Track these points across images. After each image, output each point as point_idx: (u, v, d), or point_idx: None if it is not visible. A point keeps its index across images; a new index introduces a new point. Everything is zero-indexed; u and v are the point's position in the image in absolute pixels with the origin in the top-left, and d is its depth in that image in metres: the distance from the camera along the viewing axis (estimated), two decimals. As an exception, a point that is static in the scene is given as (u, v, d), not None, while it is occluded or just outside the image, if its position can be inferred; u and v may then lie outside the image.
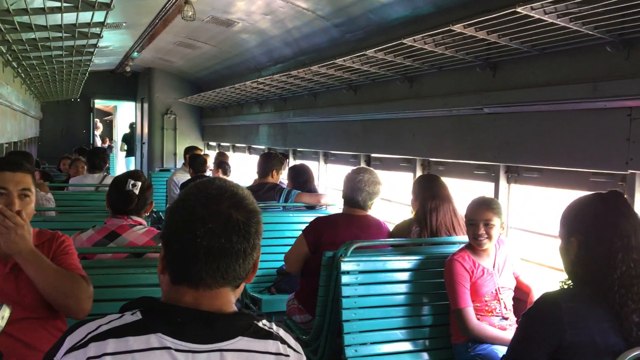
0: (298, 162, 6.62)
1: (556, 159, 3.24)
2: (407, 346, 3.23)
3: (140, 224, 2.99)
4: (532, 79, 3.35)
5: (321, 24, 5.24)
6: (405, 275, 3.31)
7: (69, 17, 3.49)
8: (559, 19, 2.64)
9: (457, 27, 3.02)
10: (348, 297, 3.15)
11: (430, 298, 3.32)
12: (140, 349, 1.21)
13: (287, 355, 1.32)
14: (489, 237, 3.08)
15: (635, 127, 2.80)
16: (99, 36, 4.13)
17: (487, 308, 3.11)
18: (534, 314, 1.90)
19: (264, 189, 5.07)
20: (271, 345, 1.31)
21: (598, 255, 1.83)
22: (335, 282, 3.20)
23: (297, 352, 1.36)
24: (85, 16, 3.43)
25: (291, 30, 5.81)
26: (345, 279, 3.15)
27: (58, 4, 3.00)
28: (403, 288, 3.30)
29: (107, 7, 3.05)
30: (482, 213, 3.07)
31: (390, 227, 3.80)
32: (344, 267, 3.15)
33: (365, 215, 3.65)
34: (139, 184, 2.99)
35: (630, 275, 1.78)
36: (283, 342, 1.34)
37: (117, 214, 2.98)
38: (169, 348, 1.22)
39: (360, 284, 3.19)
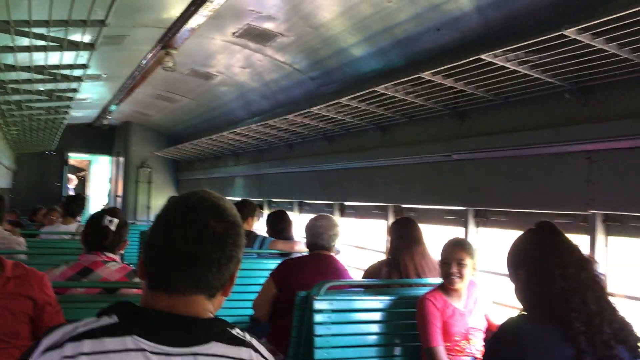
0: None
1: (522, 202, 3.37)
2: (380, 387, 3.23)
3: (114, 260, 3.00)
4: (497, 126, 3.53)
5: (298, 77, 5.43)
6: (377, 316, 3.34)
7: (53, 58, 3.59)
8: (520, 67, 2.82)
9: (426, 75, 3.19)
10: (321, 336, 3.16)
11: (402, 338, 3.34)
12: (115, 349, 1.23)
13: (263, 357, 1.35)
14: (461, 277, 3.14)
15: (595, 170, 2.95)
16: (80, 79, 4.22)
17: (457, 348, 3.14)
18: (498, 338, 1.99)
19: (238, 236, 5.09)
20: (244, 352, 1.33)
21: (540, 280, 1.98)
22: (308, 321, 3.21)
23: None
24: (68, 58, 3.53)
25: (269, 83, 5.99)
26: (318, 317, 3.17)
27: (44, 43, 3.10)
28: (375, 328, 3.32)
29: (91, 47, 3.16)
30: (455, 252, 3.15)
31: (359, 275, 3.92)
32: (317, 305, 3.17)
33: (330, 255, 3.78)
34: (116, 220, 3.02)
35: (569, 289, 1.92)
36: (256, 350, 1.36)
37: (91, 250, 2.98)
38: (144, 350, 1.24)
39: (333, 323, 3.21)
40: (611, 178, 2.90)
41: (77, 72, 4.20)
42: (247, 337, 1.38)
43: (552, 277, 1.95)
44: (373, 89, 3.66)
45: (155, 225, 1.37)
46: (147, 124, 11.23)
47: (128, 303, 1.35)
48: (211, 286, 1.34)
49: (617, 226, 2.94)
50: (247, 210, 5.26)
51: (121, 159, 12.32)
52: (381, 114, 4.27)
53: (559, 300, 1.92)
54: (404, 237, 3.63)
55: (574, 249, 2.03)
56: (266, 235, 5.19)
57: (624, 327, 1.96)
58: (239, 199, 8.16)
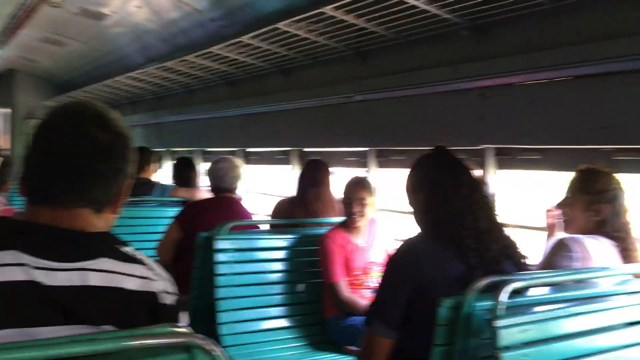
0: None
1: (420, 140, 3.46)
2: (282, 322, 3.25)
3: (-4, 201, 2.78)
4: (398, 66, 3.57)
5: (198, 18, 5.19)
6: (280, 254, 3.35)
7: None
8: (418, 1, 2.84)
9: (327, 10, 3.15)
10: (223, 275, 3.12)
11: (305, 275, 3.38)
12: None
13: (154, 280, 1.28)
14: (363, 215, 3.20)
15: (487, 106, 3.08)
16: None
17: (357, 282, 3.23)
18: (397, 258, 2.04)
19: (136, 184, 4.90)
20: (137, 268, 1.25)
21: (437, 201, 2.07)
22: (210, 261, 3.16)
23: (165, 279, 1.32)
24: None
25: (167, 25, 5.69)
26: (220, 257, 3.13)
27: None
28: (279, 266, 3.33)
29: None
30: (357, 192, 3.19)
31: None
32: (219, 245, 3.13)
33: (233, 197, 3.75)
34: (-3, 159, 2.80)
35: (462, 208, 2.01)
36: (150, 268, 1.30)
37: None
38: (25, 265, 1.13)
39: (236, 262, 3.18)
40: (502, 113, 3.03)
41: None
42: (139, 255, 1.31)
43: (448, 197, 2.03)
44: (275, 26, 3.57)
45: (34, 136, 1.25)
46: (35, 71, 10.42)
47: (5, 218, 1.24)
48: (97, 200, 1.26)
49: (507, 159, 3.10)
50: (145, 157, 5.06)
51: (6, 110, 11.43)
52: (284, 55, 4.20)
53: (452, 220, 2.01)
54: (311, 178, 3.67)
55: (467, 171, 2.11)
56: (167, 183, 5.05)
57: (510, 245, 2.07)
58: (137, 149, 7.89)
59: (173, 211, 4.59)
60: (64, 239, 1.20)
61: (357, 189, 3.20)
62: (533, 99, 2.86)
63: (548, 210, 2.68)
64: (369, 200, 3.21)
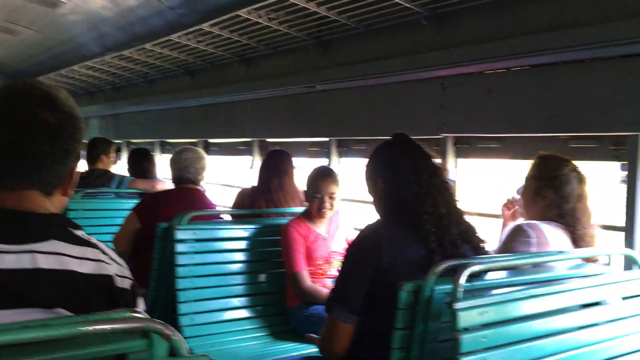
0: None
1: (381, 129, 3.47)
2: (244, 313, 3.23)
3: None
4: (359, 55, 3.57)
5: (156, 6, 5.08)
6: (242, 244, 3.31)
7: None
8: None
9: (289, -3, 3.12)
10: (183, 265, 3.08)
11: (267, 266, 3.36)
12: None
13: (109, 264, 1.25)
14: (332, 208, 3.20)
15: (447, 95, 3.11)
16: None
17: (320, 271, 3.23)
18: (357, 244, 2.05)
19: (93, 176, 4.80)
20: (89, 251, 1.22)
21: (397, 186, 2.08)
22: (170, 252, 3.11)
23: (119, 264, 1.29)
24: None
25: (124, 13, 5.55)
26: (180, 247, 3.08)
27: None
28: (240, 256, 3.30)
29: None
30: (327, 186, 3.16)
31: None
32: (179, 235, 3.08)
33: (196, 189, 3.67)
34: None
35: (421, 193, 2.03)
36: (104, 252, 1.27)
37: None
38: None
39: (196, 253, 3.14)
40: (461, 102, 3.07)
41: None
42: (92, 239, 1.28)
43: (407, 182, 2.04)
44: (235, 14, 3.53)
45: None
46: (-15, 61, 10.05)
47: None
48: (46, 182, 1.22)
49: (465, 148, 3.14)
50: (102, 147, 4.95)
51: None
52: (245, 44, 4.16)
53: (412, 204, 2.02)
54: (274, 168, 3.63)
55: (426, 156, 2.13)
56: (125, 174, 4.94)
57: (468, 229, 2.10)
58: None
59: (131, 203, 4.50)
60: (12, 220, 1.17)
61: (328, 183, 3.17)
62: (491, 88, 2.90)
63: (506, 203, 2.73)
64: (338, 193, 3.21)
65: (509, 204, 2.75)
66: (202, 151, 3.82)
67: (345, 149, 3.94)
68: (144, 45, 4.66)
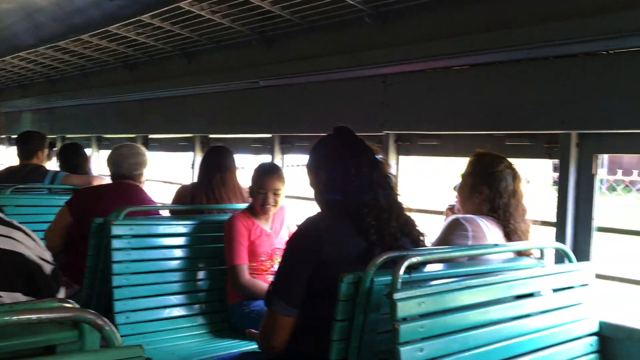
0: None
1: (324, 126, 3.43)
2: (183, 311, 3.16)
3: None
4: (302, 52, 3.57)
5: (94, -4, 4.93)
6: (181, 240, 3.25)
7: None
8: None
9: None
10: (119, 262, 2.98)
11: (206, 262, 3.30)
12: None
13: (31, 248, 1.20)
14: (276, 204, 3.17)
15: (389, 92, 3.15)
16: None
17: (262, 267, 3.20)
18: (298, 237, 2.04)
19: (25, 170, 4.61)
20: (16, 233, 1.20)
21: (338, 179, 2.09)
22: (105, 248, 3.02)
23: (41, 247, 1.24)
24: None
25: (61, 3, 5.35)
26: (116, 243, 2.98)
27: None
28: (179, 253, 3.23)
29: None
30: (272, 183, 3.14)
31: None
32: (115, 231, 2.98)
33: (134, 184, 3.55)
34: None
35: (362, 186, 2.05)
36: (27, 235, 1.23)
37: None
38: None
39: (133, 249, 3.05)
40: (402, 100, 3.11)
41: None
42: (16, 223, 1.23)
43: (348, 175, 2.05)
44: (177, 5, 3.45)
45: None
46: None
47: None
48: None
49: (407, 145, 3.19)
50: (37, 142, 4.76)
51: None
52: (187, 37, 4.08)
53: (353, 197, 2.03)
54: (215, 164, 3.57)
55: (368, 150, 2.14)
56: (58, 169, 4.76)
57: (408, 223, 2.13)
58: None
59: (65, 199, 4.35)
60: None
61: (273, 180, 3.15)
62: (432, 86, 2.96)
63: (449, 207, 2.79)
64: (283, 190, 3.19)
65: (451, 209, 2.80)
66: (141, 147, 3.74)
67: (289, 146, 3.92)
68: (80, 37, 4.49)
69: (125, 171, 3.53)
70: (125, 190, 3.51)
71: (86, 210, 3.35)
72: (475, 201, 2.44)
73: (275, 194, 3.15)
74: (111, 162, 3.60)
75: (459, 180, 2.57)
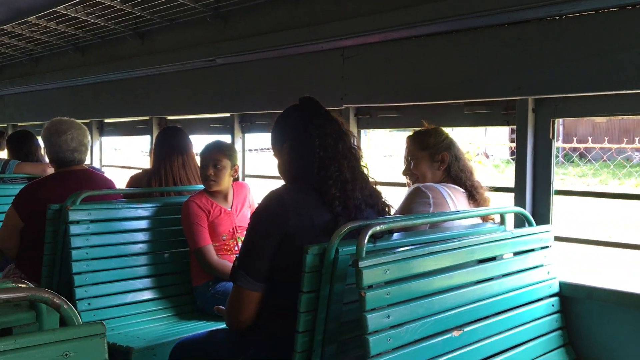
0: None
1: (284, 102, 3.40)
2: (147, 295, 3.11)
3: None
4: (260, 27, 3.51)
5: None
6: (141, 224, 3.18)
7: None
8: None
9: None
10: (79, 248, 2.91)
11: (169, 245, 3.26)
12: None
13: None
14: (217, 179, 3.11)
15: (348, 66, 3.13)
16: None
17: (225, 247, 3.16)
18: (262, 210, 2.01)
19: (-27, 160, 4.43)
20: None
21: (302, 151, 2.07)
22: (63, 235, 2.93)
23: None
24: None
25: (4, -16, 5.13)
26: (74, 229, 2.90)
27: None
28: (140, 236, 3.17)
29: None
30: (211, 154, 3.09)
31: None
32: (73, 217, 2.90)
33: (85, 169, 3.39)
34: None
35: (327, 158, 2.03)
36: None
37: None
38: None
39: (92, 234, 2.97)
40: (362, 73, 3.10)
41: None
42: None
43: (313, 147, 2.03)
44: (126, -18, 3.34)
45: None
46: None
47: None
48: None
49: (367, 119, 3.18)
50: (-15, 131, 4.59)
51: None
52: (139, 16, 3.96)
53: (317, 169, 2.01)
54: (167, 146, 3.47)
55: (333, 121, 2.12)
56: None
57: (373, 194, 2.13)
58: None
59: (19, 188, 4.19)
60: None
61: (213, 152, 3.10)
62: (390, 58, 2.95)
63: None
64: (225, 163, 3.11)
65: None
66: (79, 122, 3.41)
67: (249, 124, 3.87)
68: (27, 19, 4.32)
69: (69, 156, 3.24)
70: (78, 177, 3.28)
71: (35, 207, 3.08)
72: (438, 171, 2.50)
73: (215, 167, 3.08)
74: (49, 145, 3.28)
75: (404, 164, 2.62)
